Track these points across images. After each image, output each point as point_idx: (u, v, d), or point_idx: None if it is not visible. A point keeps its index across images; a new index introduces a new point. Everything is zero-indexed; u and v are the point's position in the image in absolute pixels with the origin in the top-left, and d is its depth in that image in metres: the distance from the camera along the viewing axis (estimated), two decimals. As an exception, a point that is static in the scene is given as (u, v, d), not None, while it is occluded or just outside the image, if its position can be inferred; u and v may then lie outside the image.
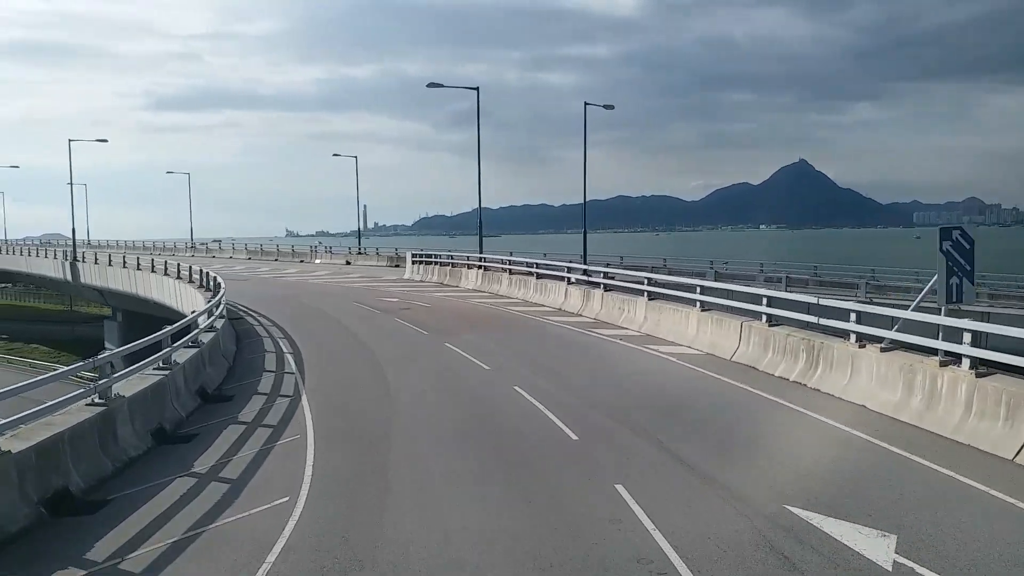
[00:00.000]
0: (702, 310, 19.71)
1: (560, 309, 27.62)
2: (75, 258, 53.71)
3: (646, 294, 22.61)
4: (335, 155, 67.48)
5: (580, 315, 25.99)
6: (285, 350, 21.51)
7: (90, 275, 51.07)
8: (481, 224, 38.46)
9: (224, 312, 23.49)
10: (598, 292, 25.66)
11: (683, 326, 20.32)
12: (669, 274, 32.65)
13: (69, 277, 54.32)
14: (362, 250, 64.58)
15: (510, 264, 34.47)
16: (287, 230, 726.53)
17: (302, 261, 65.37)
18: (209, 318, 20.95)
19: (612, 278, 26.06)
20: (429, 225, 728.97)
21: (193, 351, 16.58)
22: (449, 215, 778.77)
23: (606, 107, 38.46)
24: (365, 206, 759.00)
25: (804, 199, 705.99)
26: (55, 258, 58.09)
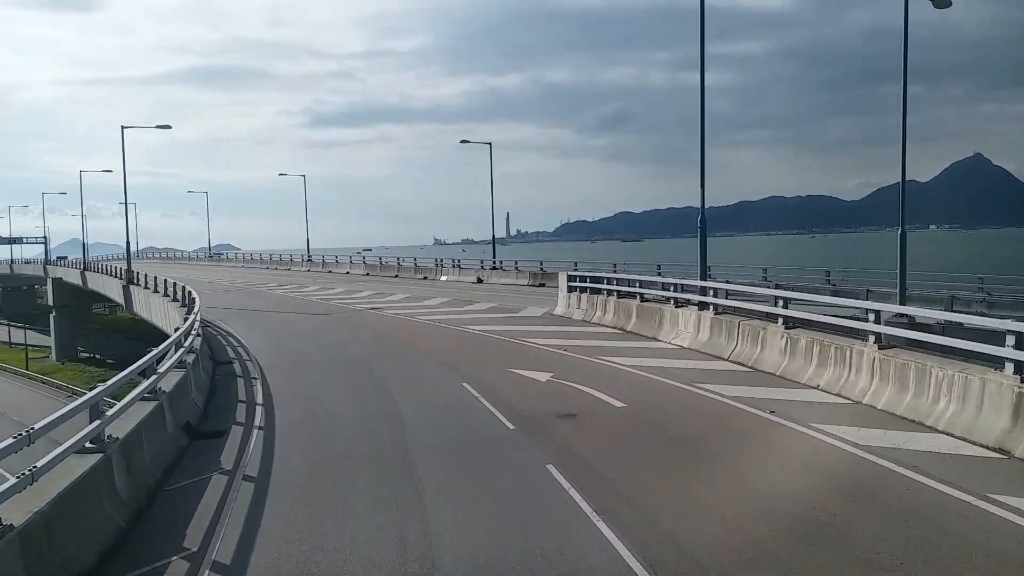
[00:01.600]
0: None
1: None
2: (129, 279, 40.70)
3: None
4: (463, 141, 52.04)
5: None
6: None
7: (140, 301, 37.77)
8: (704, 224, 20.72)
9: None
10: None
11: None
12: None
13: (123, 302, 41.56)
14: (497, 263, 48.58)
15: (780, 304, 16.47)
16: (435, 238, 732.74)
17: (424, 278, 50.32)
18: None
19: None
20: (570, 231, 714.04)
21: None
22: (591, 220, 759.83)
23: (937, 4, 20.20)
24: (508, 213, 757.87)
25: (980, 196, 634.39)
26: (117, 277, 45.56)
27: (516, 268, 45.76)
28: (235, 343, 22.94)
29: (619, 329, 22.67)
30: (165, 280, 32.66)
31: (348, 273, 57.66)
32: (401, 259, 57.95)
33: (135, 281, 39.61)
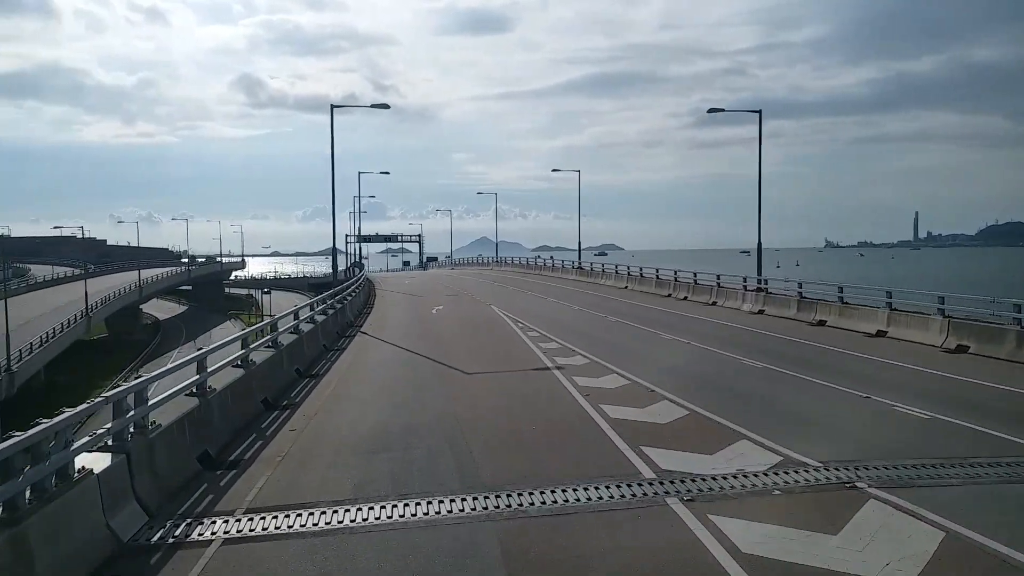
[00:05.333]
0: None
1: None
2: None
3: None
4: None
5: None
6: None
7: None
8: None
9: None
10: None
11: None
12: None
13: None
14: None
15: None
16: (826, 240, 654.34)
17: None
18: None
19: None
20: (998, 234, 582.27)
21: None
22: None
23: None
24: (917, 213, 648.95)
25: None
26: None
27: None
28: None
29: None
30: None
31: (764, 312, 25.70)
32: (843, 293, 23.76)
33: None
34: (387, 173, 62.20)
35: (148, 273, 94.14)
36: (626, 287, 43.43)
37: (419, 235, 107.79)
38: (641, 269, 43.71)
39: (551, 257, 68.56)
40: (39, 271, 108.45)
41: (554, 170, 59.06)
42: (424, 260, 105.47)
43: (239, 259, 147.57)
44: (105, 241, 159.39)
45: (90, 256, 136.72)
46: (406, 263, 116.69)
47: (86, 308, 57.12)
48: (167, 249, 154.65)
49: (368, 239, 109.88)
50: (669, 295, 38.00)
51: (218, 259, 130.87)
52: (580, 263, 53.69)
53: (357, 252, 66.68)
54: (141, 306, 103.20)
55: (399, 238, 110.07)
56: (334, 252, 31.29)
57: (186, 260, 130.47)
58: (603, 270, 48.64)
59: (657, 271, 41.44)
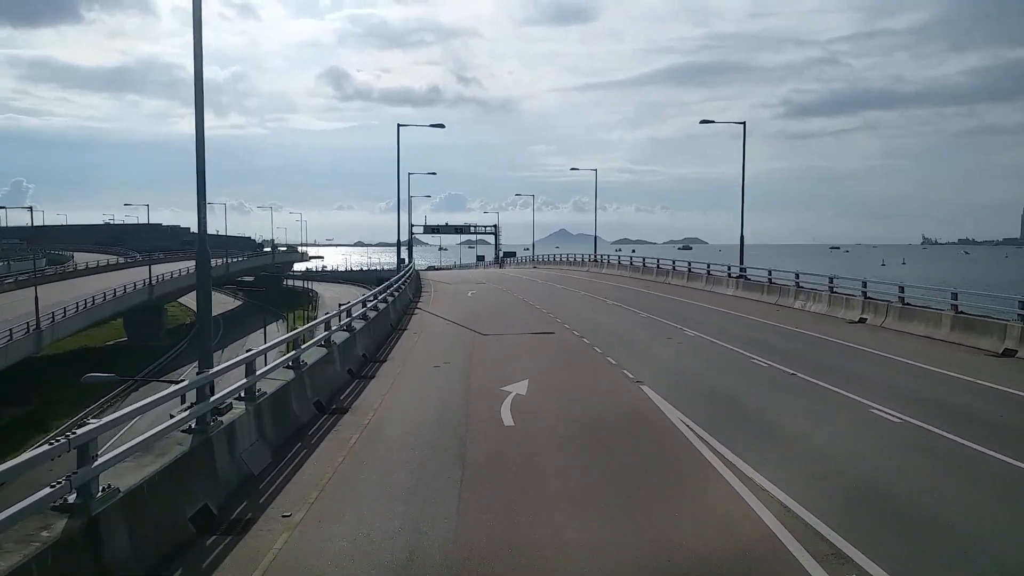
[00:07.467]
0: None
1: None
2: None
3: None
4: None
5: None
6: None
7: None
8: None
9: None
10: None
11: None
12: None
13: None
14: None
15: None
16: (924, 237, 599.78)
17: None
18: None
19: None
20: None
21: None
22: None
23: None
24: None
25: None
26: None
27: None
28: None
29: None
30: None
31: None
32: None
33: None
34: (442, 126, 43.44)
35: (180, 266, 78.64)
36: (862, 319, 22.91)
37: (495, 226, 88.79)
38: (884, 295, 22.92)
39: (646, 256, 48.35)
40: (85, 259, 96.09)
41: (703, 121, 38.73)
42: (500, 255, 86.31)
43: (298, 249, 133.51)
44: (188, 228, 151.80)
45: (173, 242, 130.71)
46: (480, 257, 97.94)
47: (37, 319, 40.29)
48: (250, 238, 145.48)
49: (437, 229, 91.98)
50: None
51: (268, 249, 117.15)
52: (744, 269, 32.97)
53: (410, 242, 48.29)
54: (181, 300, 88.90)
55: (472, 228, 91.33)
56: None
57: (268, 249, 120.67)
58: (797, 286, 27.91)
59: (900, 293, 20.72)
